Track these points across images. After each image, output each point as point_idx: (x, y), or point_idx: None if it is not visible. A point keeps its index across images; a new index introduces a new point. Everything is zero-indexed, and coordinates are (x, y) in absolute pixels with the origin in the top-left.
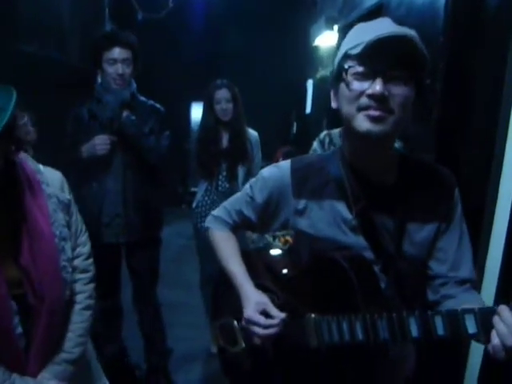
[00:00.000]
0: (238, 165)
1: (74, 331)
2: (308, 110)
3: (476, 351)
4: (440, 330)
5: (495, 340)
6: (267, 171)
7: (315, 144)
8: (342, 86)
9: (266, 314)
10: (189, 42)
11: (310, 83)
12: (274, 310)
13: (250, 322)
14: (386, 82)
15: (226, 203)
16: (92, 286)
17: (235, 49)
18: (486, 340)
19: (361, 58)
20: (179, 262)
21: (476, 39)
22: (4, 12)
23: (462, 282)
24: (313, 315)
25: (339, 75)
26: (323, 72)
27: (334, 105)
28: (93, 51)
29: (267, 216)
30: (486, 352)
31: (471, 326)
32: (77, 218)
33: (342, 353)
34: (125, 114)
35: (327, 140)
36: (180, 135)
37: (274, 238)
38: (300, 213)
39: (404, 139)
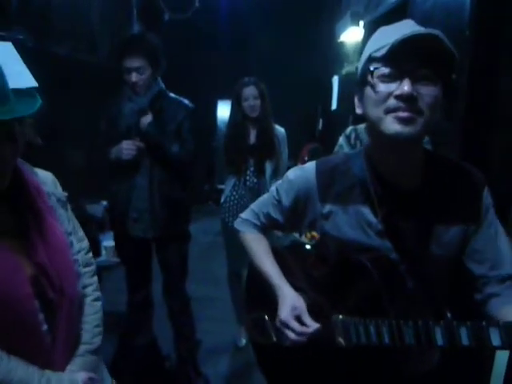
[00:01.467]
0: (266, 160)
1: (89, 322)
2: (334, 106)
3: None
4: (465, 341)
5: None
6: (292, 174)
7: (341, 139)
8: (368, 89)
9: (300, 320)
10: (215, 40)
11: (335, 79)
12: (308, 319)
13: (285, 325)
14: (413, 82)
15: (254, 206)
16: (96, 278)
17: (261, 47)
18: None
19: (386, 59)
20: (207, 258)
21: (502, 33)
22: (39, 16)
23: (505, 278)
24: (340, 316)
25: (364, 79)
26: (349, 68)
27: (358, 110)
28: (115, 58)
29: (294, 217)
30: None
31: (495, 339)
32: (72, 214)
33: (362, 348)
34: (145, 121)
35: (353, 135)
36: (206, 133)
37: (301, 233)
38: (325, 217)
39: (430, 134)
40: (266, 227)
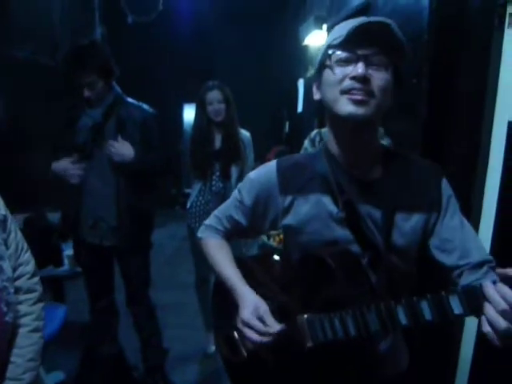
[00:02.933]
0: (232, 165)
1: (22, 356)
2: (300, 109)
3: (468, 343)
4: (427, 315)
5: (486, 328)
6: (253, 173)
7: (306, 142)
8: (326, 71)
9: (262, 320)
10: (180, 44)
11: (301, 82)
12: (271, 319)
13: (247, 324)
14: (367, 66)
15: (217, 211)
16: (40, 306)
17: (226, 50)
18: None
19: (343, 45)
20: (173, 264)
21: (460, 37)
22: None
23: (476, 266)
24: (305, 316)
25: (323, 64)
26: (313, 71)
27: (316, 97)
28: (64, 71)
29: (256, 217)
30: (476, 344)
31: (457, 307)
32: (16, 234)
33: (332, 350)
34: (129, 155)
35: (318, 138)
36: (173, 137)
37: (269, 237)
38: (287, 209)
39: (391, 136)
40: (229, 232)
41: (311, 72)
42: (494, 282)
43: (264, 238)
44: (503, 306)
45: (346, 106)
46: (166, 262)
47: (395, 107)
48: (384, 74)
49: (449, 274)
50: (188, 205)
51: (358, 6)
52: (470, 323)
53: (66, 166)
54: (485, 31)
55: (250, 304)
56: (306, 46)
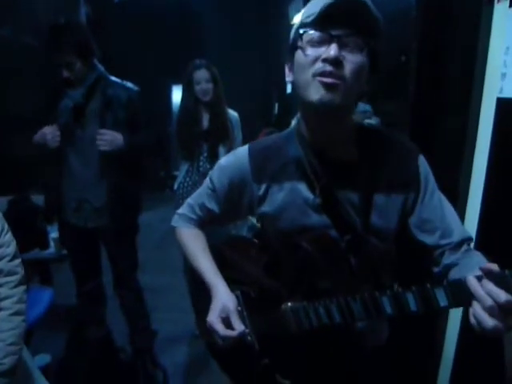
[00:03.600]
0: (219, 145)
1: (3, 340)
2: (289, 90)
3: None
4: (413, 306)
5: (473, 321)
6: (224, 159)
7: (294, 123)
8: (298, 53)
9: (228, 321)
10: (167, 24)
11: None
12: (236, 322)
13: (211, 328)
14: (340, 47)
15: (190, 199)
16: (22, 288)
17: (214, 30)
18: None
19: (316, 24)
20: (163, 247)
21: (449, 13)
22: None
23: (457, 245)
24: (289, 304)
25: (294, 45)
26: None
27: (288, 78)
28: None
29: (230, 205)
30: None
31: (442, 300)
32: None
33: (313, 332)
34: (118, 142)
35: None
36: (161, 118)
37: (258, 219)
38: (262, 197)
39: (380, 114)
40: (203, 220)
41: None
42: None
43: (253, 219)
44: (489, 303)
45: (316, 91)
46: (155, 245)
47: (384, 85)
48: (358, 57)
49: (429, 253)
50: (175, 186)
51: None
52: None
53: (45, 130)
54: (474, 7)
55: (219, 305)
56: (294, 25)
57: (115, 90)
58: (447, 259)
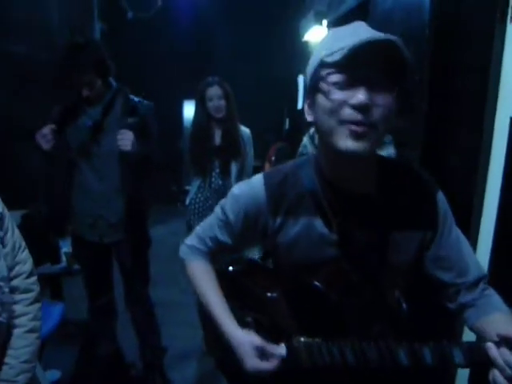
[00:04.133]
0: (231, 161)
1: (17, 357)
2: (300, 105)
3: None
4: (428, 359)
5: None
6: (238, 189)
7: (305, 139)
8: (320, 96)
9: (265, 353)
10: (179, 40)
11: (301, 79)
12: (271, 348)
13: (257, 372)
14: (368, 90)
15: (199, 230)
16: (37, 306)
17: (225, 46)
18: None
19: (340, 65)
20: (174, 261)
21: (462, 32)
22: None
23: (473, 284)
24: (302, 339)
25: (315, 85)
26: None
27: (309, 118)
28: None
29: (244, 236)
30: None
31: (458, 357)
32: (13, 233)
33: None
34: (128, 141)
35: (317, 135)
36: (173, 134)
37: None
38: (277, 230)
39: (393, 133)
40: (214, 252)
41: None
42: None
43: None
44: (509, 373)
45: (344, 140)
46: (166, 258)
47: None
48: (387, 99)
49: (444, 288)
50: (187, 201)
51: (358, 1)
52: None
53: (43, 130)
54: (487, 26)
55: (247, 348)
56: (306, 42)
57: (130, 105)
58: (463, 298)
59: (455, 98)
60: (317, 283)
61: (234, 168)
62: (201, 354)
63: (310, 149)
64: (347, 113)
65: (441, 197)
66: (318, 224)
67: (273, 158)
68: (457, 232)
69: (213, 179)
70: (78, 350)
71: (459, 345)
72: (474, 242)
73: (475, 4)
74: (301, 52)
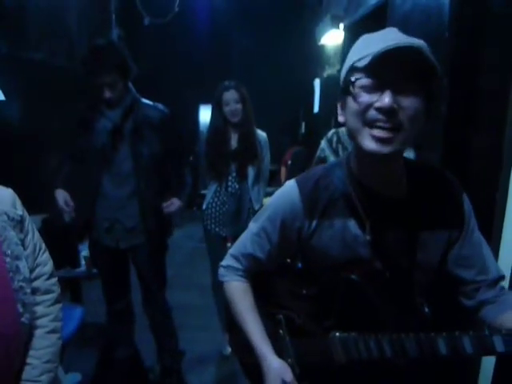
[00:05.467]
0: (248, 165)
1: (39, 358)
2: (316, 109)
3: None
4: (469, 349)
5: None
6: (272, 199)
7: (323, 143)
8: (350, 99)
9: None
10: (195, 45)
11: (317, 82)
12: None
13: None
14: (395, 94)
15: (233, 250)
16: (58, 307)
17: (241, 50)
18: None
19: (368, 70)
20: (191, 265)
21: (482, 33)
22: (13, 21)
23: (493, 282)
24: (337, 334)
25: (346, 88)
26: (330, 71)
27: (340, 119)
28: (82, 71)
29: (281, 245)
30: None
31: (499, 346)
32: (34, 235)
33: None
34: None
35: (335, 138)
36: (189, 138)
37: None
38: (312, 232)
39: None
40: (250, 270)
41: (328, 72)
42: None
43: None
44: None
45: (368, 142)
46: (183, 262)
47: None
48: (414, 102)
49: (464, 286)
50: (204, 206)
51: (375, 5)
52: None
53: (63, 204)
54: (507, 27)
55: (276, 377)
56: (322, 46)
57: (148, 112)
58: (483, 295)
59: (476, 99)
60: (354, 276)
61: (250, 172)
62: (218, 357)
63: (328, 152)
64: (372, 114)
65: (465, 197)
66: (352, 225)
67: (289, 162)
68: (478, 234)
69: (229, 183)
70: (97, 353)
71: (500, 333)
72: (496, 243)
73: (496, 4)
74: (317, 56)
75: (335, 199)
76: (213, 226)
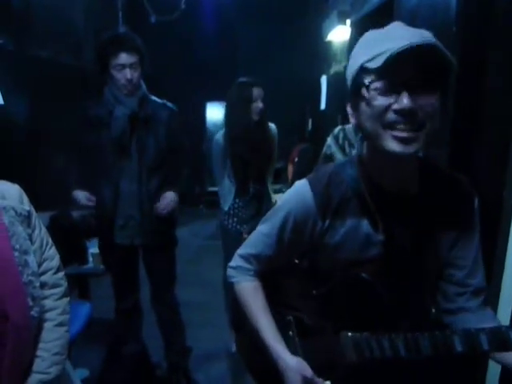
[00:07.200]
0: (268, 164)
1: (48, 350)
2: (323, 106)
3: None
4: (485, 346)
5: None
6: (284, 199)
7: (329, 140)
8: (363, 103)
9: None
10: (201, 42)
11: (323, 79)
12: (319, 382)
13: None
14: (411, 93)
15: (240, 250)
16: (66, 300)
17: (248, 47)
18: None
19: (381, 71)
20: (197, 262)
21: (490, 29)
22: (19, 18)
23: (477, 292)
24: (349, 333)
25: (357, 91)
26: (337, 67)
27: (352, 121)
28: (99, 57)
29: (292, 243)
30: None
31: None
32: (41, 230)
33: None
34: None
35: (341, 135)
36: (196, 135)
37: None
38: (325, 231)
39: None
40: (261, 269)
41: (334, 68)
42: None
43: None
44: None
45: (391, 144)
46: (189, 260)
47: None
48: (431, 100)
49: (448, 286)
50: (225, 207)
51: (382, 0)
52: None
53: (86, 201)
54: None
55: (296, 377)
56: (329, 42)
57: (156, 109)
58: (466, 302)
59: (483, 98)
60: (364, 275)
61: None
62: (225, 354)
63: (334, 149)
64: (391, 117)
65: (477, 202)
66: (365, 225)
67: (296, 159)
68: (477, 238)
69: (251, 184)
70: (105, 349)
71: None
72: (504, 241)
73: (502, 2)
74: (324, 52)
75: (348, 198)
76: (234, 224)
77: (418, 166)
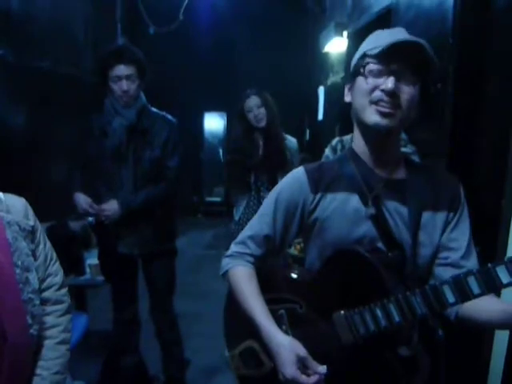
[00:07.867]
0: (278, 170)
1: (48, 369)
2: (320, 116)
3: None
4: (475, 289)
5: None
6: (280, 183)
7: (327, 151)
8: (360, 79)
9: (306, 366)
10: (200, 53)
11: (321, 90)
12: (315, 365)
13: (295, 381)
14: (397, 80)
15: (237, 239)
16: (68, 317)
17: (246, 58)
18: None
19: (378, 57)
20: (195, 272)
21: (486, 40)
22: (19, 29)
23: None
24: (342, 312)
25: (357, 70)
26: (334, 78)
27: (347, 99)
28: (99, 69)
29: (285, 223)
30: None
31: (505, 277)
32: (45, 245)
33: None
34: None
35: (339, 146)
36: (194, 146)
37: (290, 245)
38: (316, 205)
39: (416, 143)
40: (257, 251)
41: (332, 79)
42: None
43: (289, 250)
44: None
45: (372, 116)
46: (187, 269)
47: (420, 113)
48: (412, 90)
49: (442, 269)
50: (236, 217)
51: (379, 12)
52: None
53: (86, 206)
54: (510, 31)
55: (290, 355)
56: (326, 53)
57: (155, 120)
58: None
59: (480, 107)
60: (358, 247)
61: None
62: (224, 366)
63: None
64: (377, 95)
65: (462, 188)
66: (355, 199)
67: None
68: (469, 222)
69: (261, 193)
70: (102, 361)
71: (503, 263)
72: (502, 250)
73: (499, 10)
74: (321, 63)
75: (339, 176)
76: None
77: (404, 158)
